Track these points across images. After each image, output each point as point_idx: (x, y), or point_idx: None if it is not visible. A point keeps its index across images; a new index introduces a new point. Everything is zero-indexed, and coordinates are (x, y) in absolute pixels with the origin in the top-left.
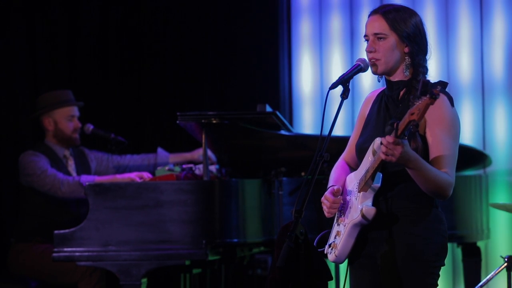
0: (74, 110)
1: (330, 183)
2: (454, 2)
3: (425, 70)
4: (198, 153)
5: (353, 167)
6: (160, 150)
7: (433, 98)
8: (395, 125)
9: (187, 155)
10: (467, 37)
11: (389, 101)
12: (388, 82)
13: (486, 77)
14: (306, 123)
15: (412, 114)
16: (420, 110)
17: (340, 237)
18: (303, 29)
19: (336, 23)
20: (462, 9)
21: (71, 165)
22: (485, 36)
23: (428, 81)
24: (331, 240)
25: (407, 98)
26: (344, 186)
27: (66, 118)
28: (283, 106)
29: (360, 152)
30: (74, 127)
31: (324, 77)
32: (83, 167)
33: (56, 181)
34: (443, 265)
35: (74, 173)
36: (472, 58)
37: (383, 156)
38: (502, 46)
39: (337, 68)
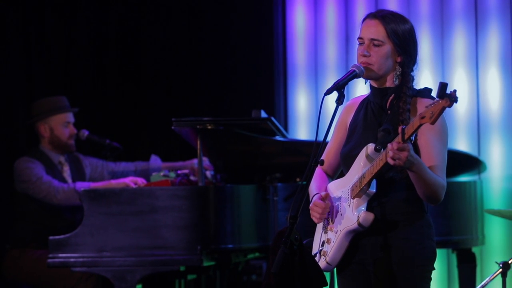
0: (70, 116)
1: (313, 192)
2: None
3: (412, 79)
4: (190, 164)
5: (330, 175)
6: (153, 158)
7: (453, 101)
8: (400, 129)
9: (179, 164)
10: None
11: (376, 108)
12: (374, 89)
13: (481, 85)
14: (301, 128)
15: (423, 118)
16: (434, 113)
17: (331, 244)
18: (298, 27)
19: (331, 20)
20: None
21: (66, 171)
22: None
23: (447, 84)
24: (318, 248)
25: (396, 104)
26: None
27: (62, 124)
28: (278, 111)
29: (347, 159)
30: (70, 133)
31: (319, 81)
32: (78, 173)
33: (51, 189)
34: (434, 269)
35: (69, 179)
36: (466, 76)
37: (390, 161)
38: (497, 64)
39: (333, 74)
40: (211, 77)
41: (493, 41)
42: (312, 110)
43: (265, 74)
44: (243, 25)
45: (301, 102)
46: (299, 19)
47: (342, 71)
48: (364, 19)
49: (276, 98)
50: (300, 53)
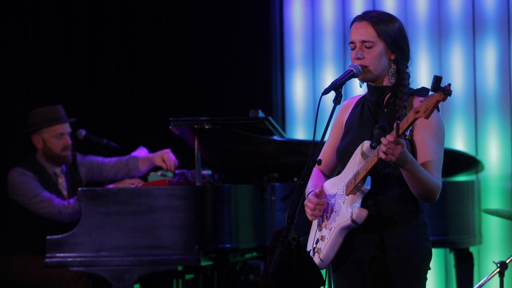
0: (64, 128)
1: (309, 190)
2: (447, 17)
3: (408, 76)
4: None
5: (326, 175)
6: (140, 149)
7: (447, 94)
8: (395, 124)
9: (152, 156)
10: (460, 50)
11: (372, 106)
12: (371, 88)
13: (478, 86)
14: (299, 126)
15: (417, 112)
16: (429, 107)
17: (325, 241)
18: (296, 25)
19: (328, 16)
20: (455, 25)
21: (62, 183)
22: (478, 50)
23: (441, 77)
24: (312, 245)
25: (392, 102)
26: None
27: (55, 136)
28: (275, 111)
29: (343, 156)
30: (64, 145)
31: (317, 80)
32: (74, 183)
33: (53, 208)
34: (430, 268)
35: (64, 191)
36: (464, 70)
37: (383, 156)
38: (494, 58)
39: (330, 74)
40: (208, 76)
41: (490, 47)
42: (309, 110)
43: (262, 73)
44: (240, 26)
45: (298, 101)
46: (296, 18)
47: (340, 69)
48: (352, 23)
49: (273, 97)
50: (297, 51)
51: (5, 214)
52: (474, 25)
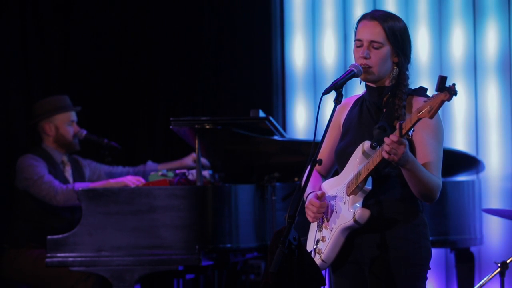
0: (74, 115)
1: (307, 191)
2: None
3: (408, 78)
4: (188, 160)
5: (323, 175)
6: (150, 162)
7: (452, 94)
8: (397, 124)
9: (176, 163)
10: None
11: (371, 106)
12: (370, 88)
13: (479, 84)
14: (299, 122)
15: (421, 112)
16: (433, 107)
17: (326, 242)
18: (297, 25)
19: (329, 16)
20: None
21: (68, 171)
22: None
23: (446, 77)
24: (312, 246)
25: (391, 102)
26: None
27: (67, 123)
28: (276, 111)
29: (342, 156)
30: (75, 132)
31: (318, 79)
32: (79, 174)
33: (51, 189)
34: (430, 268)
35: (71, 179)
36: (464, 77)
37: (386, 155)
38: (495, 67)
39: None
40: (209, 76)
41: (491, 42)
42: (310, 109)
43: (263, 73)
44: (241, 25)
45: (299, 101)
46: (297, 16)
47: (340, 69)
48: (360, 20)
49: (274, 97)
50: (298, 50)
51: (12, 208)
52: (474, 19)
